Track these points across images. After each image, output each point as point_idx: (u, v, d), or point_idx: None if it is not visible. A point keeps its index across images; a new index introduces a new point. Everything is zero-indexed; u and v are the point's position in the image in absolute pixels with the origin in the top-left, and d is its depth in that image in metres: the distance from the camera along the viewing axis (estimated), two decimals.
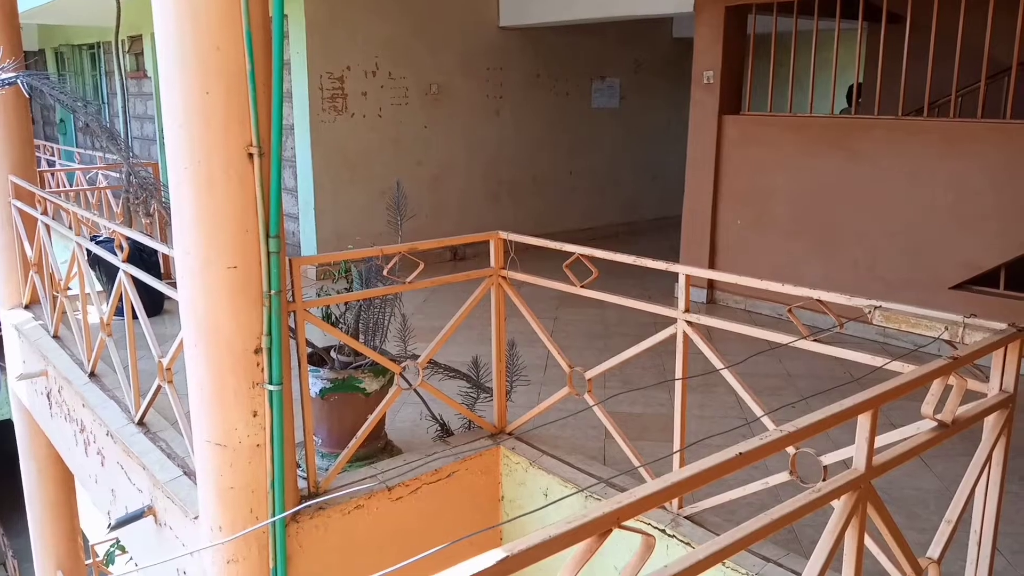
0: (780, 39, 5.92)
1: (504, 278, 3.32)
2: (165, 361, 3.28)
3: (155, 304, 5.50)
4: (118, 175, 7.62)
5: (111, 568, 7.63)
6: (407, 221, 3.67)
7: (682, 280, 2.75)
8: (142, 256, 4.88)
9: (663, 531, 2.70)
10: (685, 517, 2.76)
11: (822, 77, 6.06)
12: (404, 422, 3.96)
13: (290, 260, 2.73)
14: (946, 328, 2.10)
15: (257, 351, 2.58)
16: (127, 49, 11.04)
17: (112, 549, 7.79)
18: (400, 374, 3.17)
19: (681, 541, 2.67)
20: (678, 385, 2.78)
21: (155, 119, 10.84)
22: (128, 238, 3.62)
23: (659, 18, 8.19)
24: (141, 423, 3.65)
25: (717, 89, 6.06)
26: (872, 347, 4.78)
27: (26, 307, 5.52)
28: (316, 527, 2.88)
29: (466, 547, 1.38)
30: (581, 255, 3.01)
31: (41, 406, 5.05)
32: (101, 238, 5.49)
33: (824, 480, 1.65)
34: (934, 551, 1.99)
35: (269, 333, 2.57)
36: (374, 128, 7.48)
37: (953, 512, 2.02)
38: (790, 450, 2.26)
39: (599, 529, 1.21)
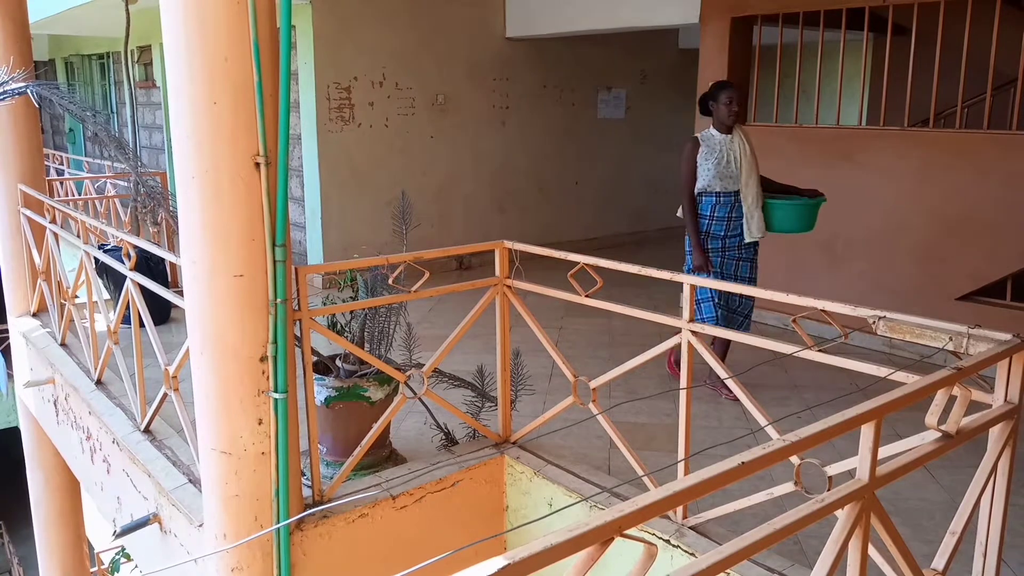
0: (786, 50, 5.93)
1: (509, 287, 3.33)
2: (171, 369, 3.30)
3: (162, 312, 5.53)
4: (126, 184, 7.67)
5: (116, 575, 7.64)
6: (413, 230, 3.68)
7: (687, 290, 2.75)
8: (149, 264, 4.91)
9: (667, 541, 2.69)
10: (690, 528, 2.75)
11: (828, 88, 6.07)
12: (409, 431, 3.96)
13: (296, 269, 2.74)
14: (951, 339, 2.10)
15: (263, 359, 2.59)
16: (136, 59, 11.12)
17: (117, 556, 7.81)
18: (405, 383, 3.17)
19: (685, 552, 2.67)
20: (683, 395, 2.78)
21: (163, 129, 10.91)
22: (136, 247, 3.64)
23: (665, 29, 8.22)
24: (147, 431, 3.66)
25: None
26: (877, 357, 4.76)
27: (34, 315, 5.55)
28: (320, 535, 2.88)
29: (470, 556, 1.38)
30: (586, 264, 3.02)
31: (48, 414, 5.07)
32: (109, 246, 5.52)
33: (828, 490, 1.65)
34: (939, 563, 1.98)
35: (275, 341, 2.58)
36: (381, 138, 7.51)
37: (958, 524, 2.01)
38: (794, 460, 2.26)
39: (601, 537, 1.22)
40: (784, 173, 5.17)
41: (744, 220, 4.45)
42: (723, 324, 4.38)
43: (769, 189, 4.62)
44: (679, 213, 4.58)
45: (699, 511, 2.75)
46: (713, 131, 4.52)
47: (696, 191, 4.47)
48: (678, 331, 2.76)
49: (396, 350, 3.65)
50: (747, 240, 4.47)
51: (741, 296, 4.47)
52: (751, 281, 4.57)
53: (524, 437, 3.46)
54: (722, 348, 4.37)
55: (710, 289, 4.31)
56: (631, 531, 1.26)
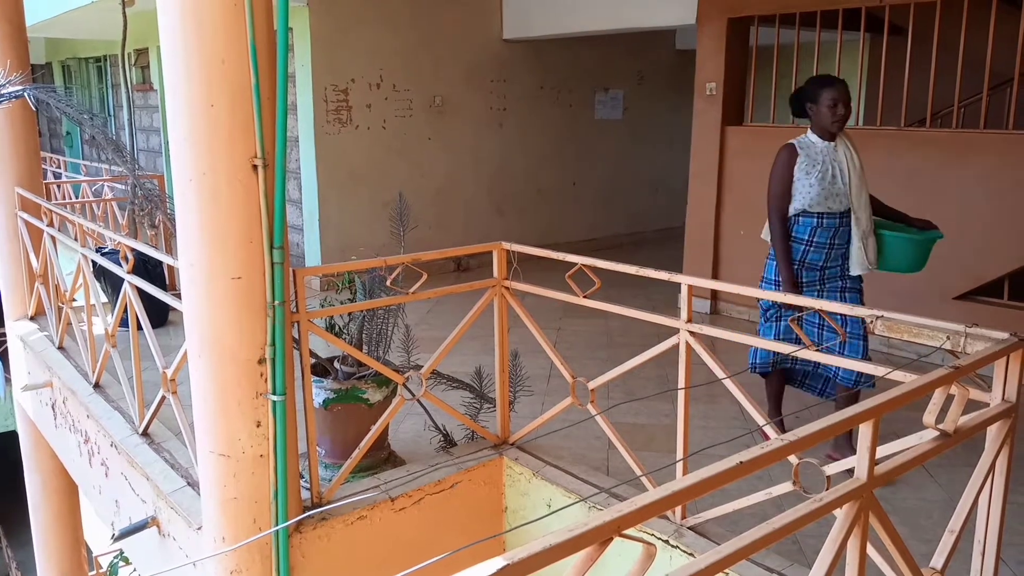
0: (782, 51, 5.93)
1: (507, 289, 3.33)
2: (169, 372, 3.30)
3: (159, 315, 5.52)
4: (124, 187, 7.66)
5: None
6: (411, 232, 3.68)
7: (684, 290, 2.75)
8: (147, 267, 4.91)
9: (666, 541, 2.69)
10: (688, 528, 2.75)
11: None
12: (407, 432, 3.96)
13: (294, 271, 2.74)
14: (948, 338, 2.10)
15: (261, 362, 2.58)
16: (133, 62, 11.12)
17: (116, 560, 7.79)
18: (403, 384, 3.17)
19: (684, 551, 2.67)
20: (681, 395, 2.79)
21: (161, 131, 10.90)
22: (133, 249, 3.64)
23: (662, 30, 8.23)
24: (145, 434, 3.65)
25: (720, 100, 6.09)
26: (875, 357, 4.77)
27: (31, 318, 5.54)
28: (319, 537, 2.88)
29: (468, 557, 1.38)
30: (583, 265, 3.02)
31: (46, 417, 5.07)
32: (106, 250, 5.52)
33: (827, 490, 1.65)
34: (937, 561, 1.99)
35: (273, 344, 2.58)
36: (378, 140, 7.52)
37: (956, 522, 2.01)
38: (793, 460, 2.26)
39: (600, 537, 1.22)
40: None
41: (853, 248, 3.60)
42: (785, 375, 3.87)
43: (876, 212, 3.77)
44: (764, 235, 3.78)
45: (698, 511, 2.76)
46: (812, 137, 3.64)
47: (792, 211, 3.59)
48: (676, 331, 2.76)
49: (394, 352, 3.65)
50: (854, 273, 3.63)
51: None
52: (858, 320, 3.39)
53: (523, 438, 3.46)
54: (778, 392, 3.93)
55: (775, 336, 3.57)
56: (630, 531, 1.26)
